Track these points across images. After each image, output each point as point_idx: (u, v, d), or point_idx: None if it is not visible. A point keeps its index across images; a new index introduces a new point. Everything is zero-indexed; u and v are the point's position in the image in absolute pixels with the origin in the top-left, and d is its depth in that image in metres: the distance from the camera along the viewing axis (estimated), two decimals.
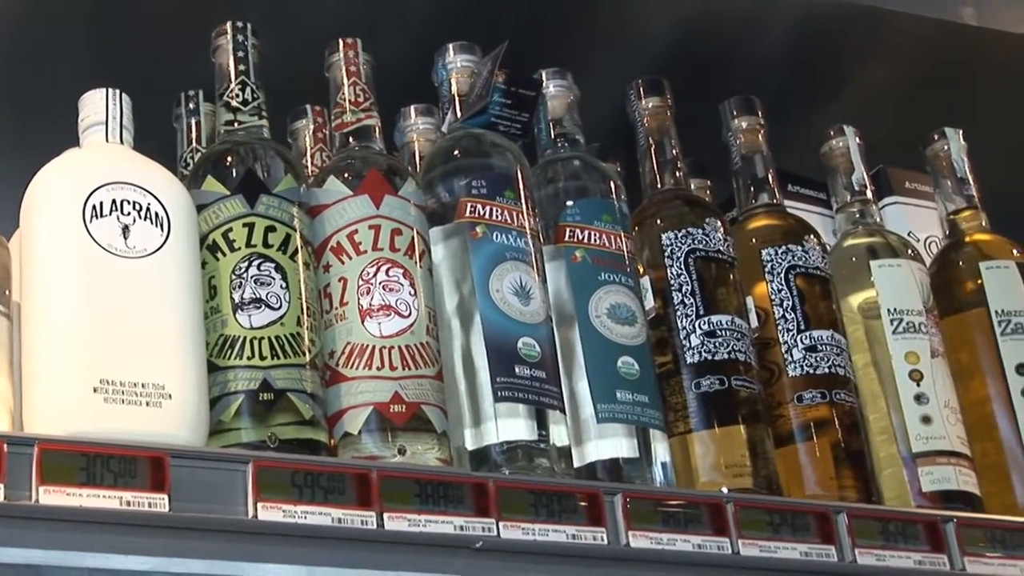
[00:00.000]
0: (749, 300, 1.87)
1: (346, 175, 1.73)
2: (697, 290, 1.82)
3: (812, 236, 1.94)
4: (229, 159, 1.69)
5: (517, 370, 1.67)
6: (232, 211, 1.65)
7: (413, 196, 1.74)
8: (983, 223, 2.07)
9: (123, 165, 1.64)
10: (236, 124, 1.73)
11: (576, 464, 1.69)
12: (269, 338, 1.59)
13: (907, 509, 1.81)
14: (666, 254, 1.85)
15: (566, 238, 1.81)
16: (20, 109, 2.11)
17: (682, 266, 1.83)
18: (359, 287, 1.66)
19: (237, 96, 1.74)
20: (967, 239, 2.05)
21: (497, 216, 1.75)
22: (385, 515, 1.50)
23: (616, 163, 2.08)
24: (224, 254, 1.63)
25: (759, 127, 2.01)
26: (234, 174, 1.68)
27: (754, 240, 1.92)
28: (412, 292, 1.67)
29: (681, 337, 1.80)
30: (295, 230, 1.66)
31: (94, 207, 1.57)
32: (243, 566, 1.48)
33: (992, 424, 1.91)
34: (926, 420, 1.85)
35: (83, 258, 1.55)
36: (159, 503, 1.43)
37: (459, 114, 1.87)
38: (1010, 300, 1.97)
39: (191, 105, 2.01)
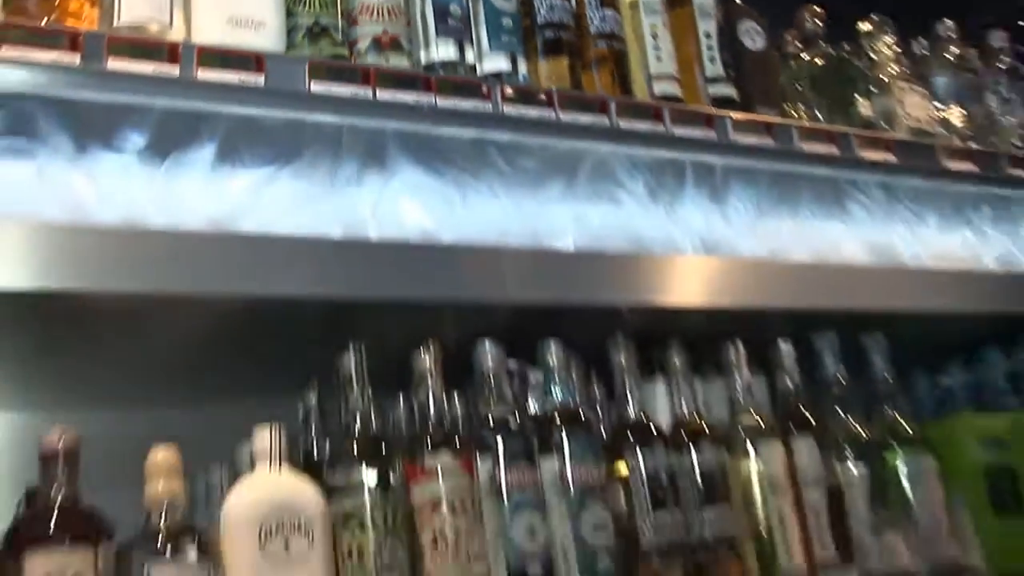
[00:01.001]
0: None
1: None
2: None
3: None
4: None
5: (449, 21, 1.59)
6: None
7: None
8: None
9: None
10: None
11: (478, 73, 1.62)
12: None
13: (647, 101, 1.75)
14: None
15: None
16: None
17: None
18: None
19: None
20: None
21: None
22: (377, 90, 1.46)
23: None
24: None
25: None
26: None
27: None
28: None
29: (536, 9, 1.70)
30: None
31: None
32: (303, 115, 1.44)
33: (692, 60, 1.84)
34: (659, 59, 1.78)
35: None
36: (259, 80, 1.38)
37: None
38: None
39: None
